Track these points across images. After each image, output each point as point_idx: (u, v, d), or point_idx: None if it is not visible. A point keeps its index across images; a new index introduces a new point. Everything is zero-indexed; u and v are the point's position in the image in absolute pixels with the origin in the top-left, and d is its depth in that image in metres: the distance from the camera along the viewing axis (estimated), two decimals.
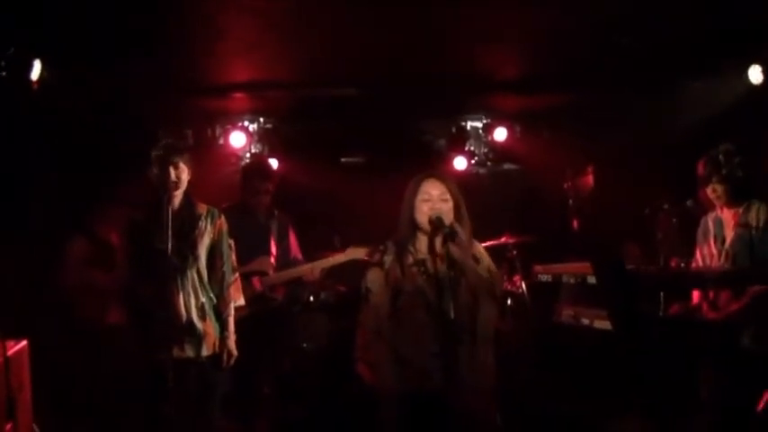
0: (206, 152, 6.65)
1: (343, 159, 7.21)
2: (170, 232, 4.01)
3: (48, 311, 5.16)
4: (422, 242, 3.76)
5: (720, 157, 4.23)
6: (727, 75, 5.89)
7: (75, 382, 5.02)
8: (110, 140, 6.00)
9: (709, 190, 4.31)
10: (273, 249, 5.42)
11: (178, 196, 4.23)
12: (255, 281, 5.25)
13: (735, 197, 4.26)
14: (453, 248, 3.62)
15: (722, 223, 4.34)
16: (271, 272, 5.32)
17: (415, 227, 3.76)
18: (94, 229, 5.29)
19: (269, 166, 5.77)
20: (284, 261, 5.47)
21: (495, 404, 5.35)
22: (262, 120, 6.96)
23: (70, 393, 4.98)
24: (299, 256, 5.59)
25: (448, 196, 3.74)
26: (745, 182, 4.23)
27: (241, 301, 4.43)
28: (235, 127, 6.85)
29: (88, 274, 5.18)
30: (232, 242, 4.42)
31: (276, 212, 5.56)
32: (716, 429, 4.15)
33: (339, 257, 5.27)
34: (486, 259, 3.81)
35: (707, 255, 4.40)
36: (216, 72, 5.91)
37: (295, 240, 5.63)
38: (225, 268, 4.33)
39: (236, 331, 4.36)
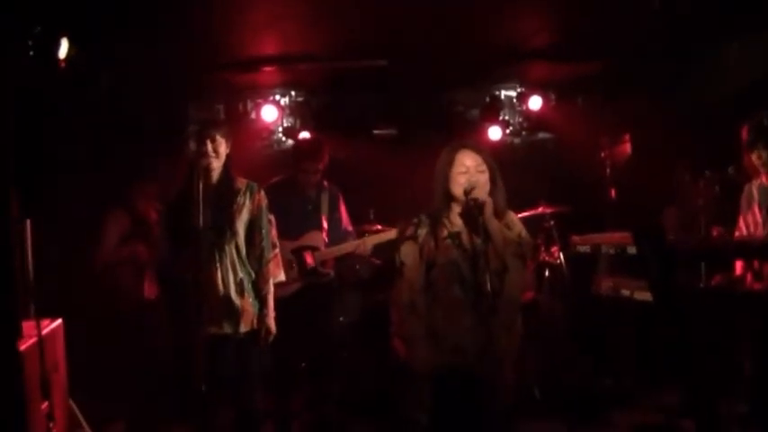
0: (238, 127, 6.61)
1: (375, 131, 7.14)
2: (201, 207, 3.97)
3: (84, 288, 5.19)
4: (456, 214, 3.70)
5: (766, 121, 4.10)
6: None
7: (112, 358, 5.05)
8: (142, 118, 6.00)
9: (753, 156, 4.19)
10: (324, 224, 5.35)
11: (216, 170, 4.19)
12: (307, 256, 5.22)
13: None
14: (485, 215, 3.57)
15: (767, 191, 4.21)
16: (322, 247, 5.28)
17: (449, 199, 3.70)
18: (133, 204, 5.30)
19: (320, 147, 5.54)
20: (335, 234, 5.39)
21: (532, 376, 5.34)
22: (293, 93, 6.92)
23: (107, 370, 5.01)
24: (350, 228, 5.50)
25: (484, 167, 3.67)
26: None
27: (281, 278, 4.39)
28: (266, 101, 6.82)
29: (127, 249, 5.20)
30: (272, 218, 4.37)
31: (326, 184, 5.48)
32: (759, 404, 4.06)
33: (390, 233, 5.19)
34: (518, 226, 3.74)
35: (751, 223, 4.29)
36: (246, 45, 5.85)
37: (345, 212, 5.53)
38: (264, 244, 4.27)
39: (287, 306, 4.29)
